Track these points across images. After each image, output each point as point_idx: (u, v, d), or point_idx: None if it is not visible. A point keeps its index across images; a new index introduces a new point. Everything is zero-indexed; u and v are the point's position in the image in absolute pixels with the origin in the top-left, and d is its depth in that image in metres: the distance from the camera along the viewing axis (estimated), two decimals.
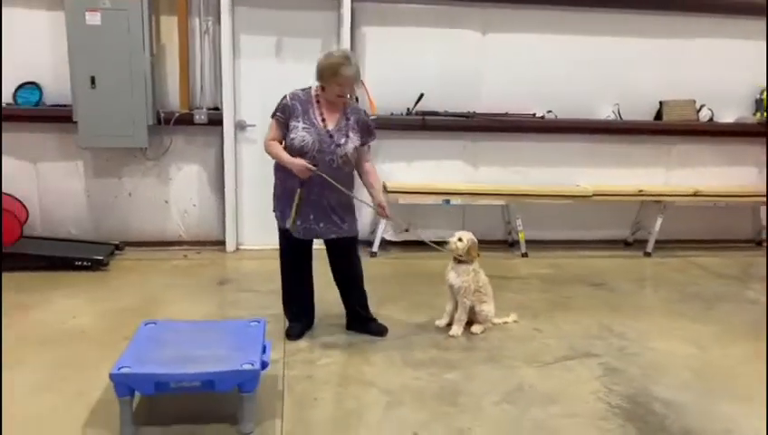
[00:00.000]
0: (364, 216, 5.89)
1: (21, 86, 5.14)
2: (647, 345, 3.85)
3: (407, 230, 4.20)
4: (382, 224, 5.64)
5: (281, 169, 3.55)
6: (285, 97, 3.52)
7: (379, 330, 3.89)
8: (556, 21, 5.77)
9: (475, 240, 4.07)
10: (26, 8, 5.09)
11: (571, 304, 4.61)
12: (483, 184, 5.88)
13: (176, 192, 5.60)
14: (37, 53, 5.14)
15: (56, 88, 5.17)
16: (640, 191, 5.95)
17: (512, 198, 5.81)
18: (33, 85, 5.17)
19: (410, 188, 5.68)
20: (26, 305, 4.19)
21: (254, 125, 5.54)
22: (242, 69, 5.49)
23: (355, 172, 3.70)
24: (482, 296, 4.01)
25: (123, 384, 2.59)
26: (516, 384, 3.31)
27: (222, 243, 5.65)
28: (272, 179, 5.66)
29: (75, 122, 5.05)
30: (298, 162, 3.38)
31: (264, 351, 2.91)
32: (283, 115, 3.48)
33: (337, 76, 3.36)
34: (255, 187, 5.66)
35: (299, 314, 3.90)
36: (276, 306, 4.12)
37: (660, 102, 6.04)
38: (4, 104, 5.14)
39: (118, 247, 5.37)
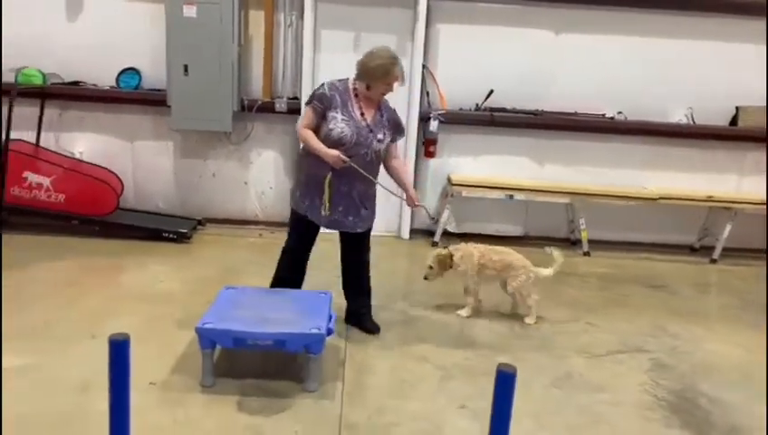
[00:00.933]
0: (429, 207, 6.11)
1: (123, 71, 5.66)
2: (699, 346, 3.90)
3: (433, 219, 4.19)
4: (445, 215, 5.84)
5: (311, 156, 3.47)
6: (323, 86, 3.48)
7: (372, 328, 3.80)
8: (631, 22, 5.79)
9: (442, 254, 4.16)
10: (130, 0, 5.59)
11: (628, 302, 4.67)
12: (547, 181, 5.98)
13: (255, 175, 6.00)
14: (139, 42, 5.63)
15: (153, 74, 5.66)
16: (709, 197, 5.88)
17: (576, 197, 5.87)
18: (133, 71, 5.68)
19: (474, 182, 5.85)
20: (122, 268, 4.67)
21: None
22: (321, 62, 5.81)
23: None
24: (490, 273, 4.13)
25: (206, 338, 2.93)
26: (565, 372, 3.46)
27: None
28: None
29: (168, 106, 5.51)
30: (333, 153, 3.33)
31: (329, 319, 3.19)
32: (321, 104, 3.43)
33: (388, 76, 3.40)
34: None
35: None
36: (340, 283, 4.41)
37: (737, 108, 5.94)
38: (107, 87, 5.67)
39: (200, 223, 5.82)
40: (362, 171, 3.44)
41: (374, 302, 4.28)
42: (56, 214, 5.25)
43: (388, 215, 6.11)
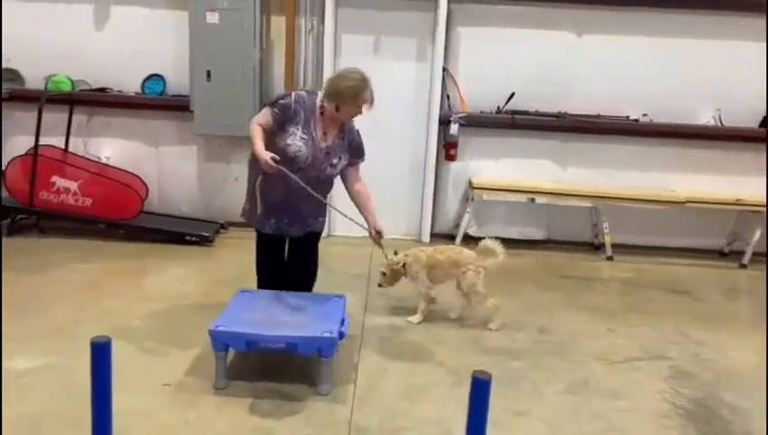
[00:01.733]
0: (449, 211, 6.12)
1: (148, 78, 5.78)
2: (724, 353, 3.80)
3: (389, 259, 3.92)
4: (466, 219, 5.81)
5: (262, 181, 3.36)
6: (290, 97, 3.31)
7: None
8: (655, 22, 5.68)
9: (393, 260, 3.98)
10: (154, 8, 5.71)
11: (650, 308, 4.58)
12: (570, 185, 5.90)
13: None
14: (163, 49, 5.74)
15: (177, 80, 5.76)
16: (738, 200, 5.73)
17: (599, 200, 5.79)
18: (158, 77, 5.79)
19: (496, 185, 5.81)
20: (145, 271, 4.76)
21: None
22: (341, 66, 5.83)
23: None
24: (442, 272, 4.02)
25: (220, 340, 2.97)
26: (582, 378, 3.41)
27: None
28: (364, 172, 5.99)
29: (192, 111, 5.61)
30: (265, 156, 3.15)
31: (342, 323, 3.20)
32: (282, 114, 3.27)
33: (357, 99, 3.28)
34: None
35: None
36: (359, 287, 4.44)
37: None
38: (132, 93, 5.79)
39: (222, 226, 5.90)
40: (295, 177, 3.25)
41: (393, 305, 4.29)
42: (83, 218, 5.38)
43: (409, 218, 6.12)
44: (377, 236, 3.64)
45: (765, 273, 5.30)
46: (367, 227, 3.65)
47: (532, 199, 5.78)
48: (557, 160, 6.01)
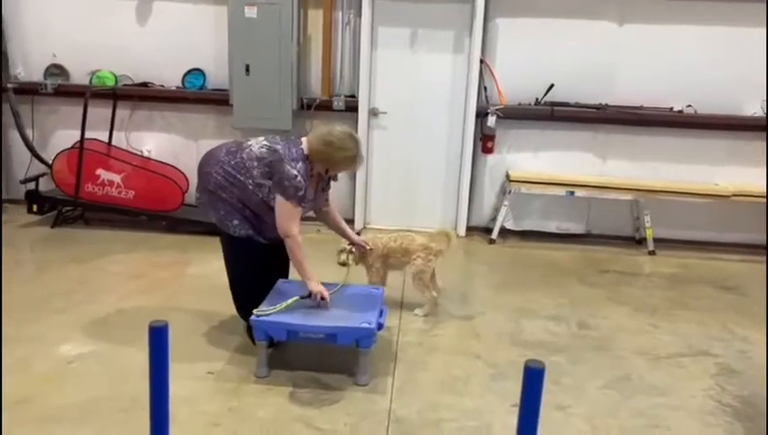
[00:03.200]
0: (486, 204, 6.07)
1: (189, 72, 5.87)
2: None
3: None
4: (503, 212, 5.75)
5: (251, 203, 3.22)
6: (300, 182, 3.08)
7: None
8: (700, 11, 5.52)
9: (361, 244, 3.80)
10: (195, 3, 5.80)
11: (695, 304, 4.47)
12: (611, 177, 5.79)
13: None
14: (203, 43, 5.83)
15: (217, 74, 5.84)
16: None
17: (641, 194, 5.66)
18: (198, 71, 5.89)
19: (534, 178, 5.73)
20: (186, 262, 4.85)
21: (385, 112, 5.90)
22: (378, 59, 5.84)
23: None
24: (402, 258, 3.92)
25: (261, 330, 3.01)
26: (623, 373, 3.35)
27: (351, 221, 6.07)
28: (400, 165, 5.96)
29: (231, 105, 5.68)
30: (319, 289, 3.14)
31: (380, 314, 3.21)
32: (305, 199, 3.15)
33: (352, 166, 3.31)
34: (384, 170, 6.03)
35: None
36: (394, 279, 4.43)
37: None
38: (174, 87, 5.90)
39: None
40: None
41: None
42: (126, 209, 5.52)
43: (445, 212, 6.09)
44: (363, 250, 3.75)
45: (766, 269, 5.14)
46: (353, 243, 3.74)
47: (572, 193, 5.69)
48: (597, 153, 5.90)
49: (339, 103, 5.78)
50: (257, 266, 3.34)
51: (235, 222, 3.24)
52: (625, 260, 5.47)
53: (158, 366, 1.21)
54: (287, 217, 3.10)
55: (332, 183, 3.54)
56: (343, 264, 3.75)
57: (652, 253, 5.65)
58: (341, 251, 3.78)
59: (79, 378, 3.03)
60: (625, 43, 5.65)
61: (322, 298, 3.14)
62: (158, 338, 1.20)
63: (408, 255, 3.90)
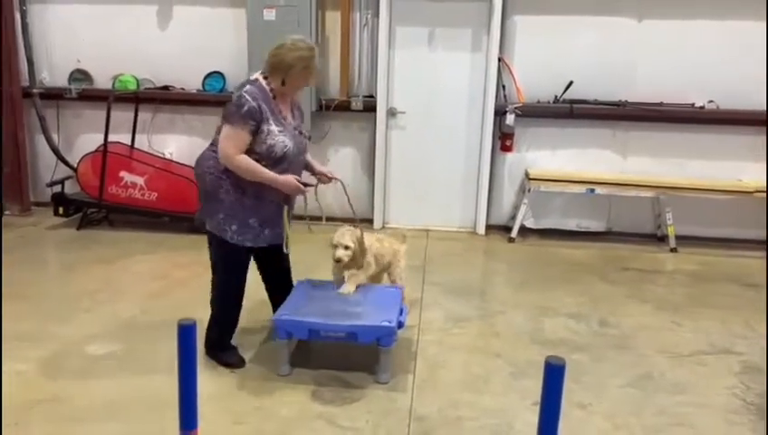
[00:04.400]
0: (505, 203, 6.06)
1: (209, 75, 5.95)
2: None
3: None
4: (522, 210, 5.74)
5: (248, 185, 3.00)
6: (245, 98, 2.89)
7: None
8: (720, 5, 5.45)
9: (359, 234, 3.34)
10: (214, 7, 5.87)
11: (717, 301, 4.42)
12: (631, 174, 5.74)
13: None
14: (223, 46, 5.90)
15: (236, 76, 5.88)
16: None
17: (662, 191, 5.61)
18: (218, 74, 5.96)
19: (554, 176, 5.71)
20: (208, 262, 4.88)
21: (403, 112, 5.91)
22: (396, 59, 5.86)
23: None
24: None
25: (283, 329, 3.05)
26: (645, 371, 3.33)
27: (370, 220, 6.09)
28: (419, 164, 5.93)
29: None
30: (291, 182, 2.98)
31: (401, 313, 3.24)
32: (254, 121, 2.90)
33: (308, 70, 2.99)
34: (403, 170, 6.05)
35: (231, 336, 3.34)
36: (414, 278, 4.46)
37: None
38: (194, 90, 5.97)
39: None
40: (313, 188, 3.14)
41: (450, 296, 4.30)
42: (149, 211, 5.61)
43: (464, 211, 6.10)
44: (327, 179, 3.28)
45: (765, 267, 5.07)
46: (315, 173, 3.31)
47: (592, 190, 5.66)
48: (617, 150, 5.86)
49: (357, 104, 5.82)
50: (244, 281, 3.20)
51: (234, 227, 3.03)
52: (646, 258, 5.43)
53: (187, 363, 1.24)
54: (226, 139, 2.90)
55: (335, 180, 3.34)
56: (338, 260, 3.30)
57: (674, 250, 5.60)
58: (336, 246, 3.31)
59: (106, 376, 3.10)
60: (644, 38, 5.60)
61: (304, 184, 3.01)
62: (186, 336, 1.24)
63: (395, 256, 3.69)
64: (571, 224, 6.02)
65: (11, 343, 3.39)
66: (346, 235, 3.29)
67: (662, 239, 5.85)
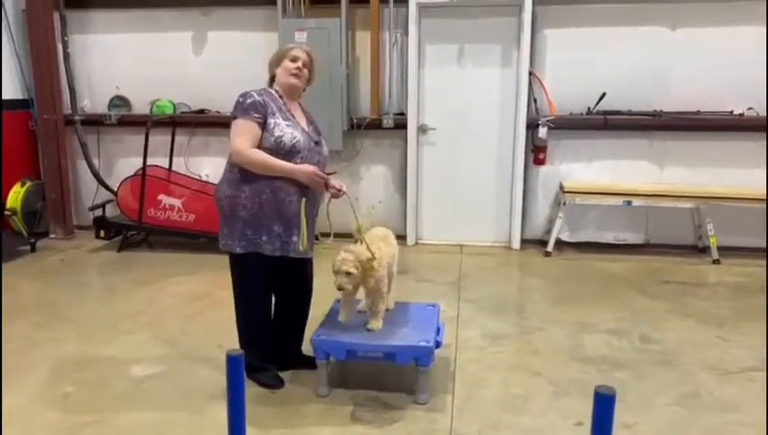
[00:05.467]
0: (539, 216, 6.00)
1: None
2: None
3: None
4: (558, 224, 5.67)
5: (262, 183, 2.93)
6: (251, 94, 2.93)
7: (309, 361, 3.22)
8: (755, 11, 5.34)
9: (364, 255, 3.01)
10: (247, 31, 6.00)
11: (764, 314, 4.28)
12: (669, 185, 5.64)
13: (365, 190, 6.17)
14: (255, 69, 5.97)
15: None
16: None
17: (702, 201, 5.49)
18: None
19: (589, 188, 5.64)
20: None
21: (434, 128, 5.93)
22: (426, 76, 5.89)
23: None
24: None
25: (321, 349, 3.06)
26: (692, 389, 3.24)
27: (403, 237, 6.09)
28: (451, 179, 5.91)
29: None
30: (307, 168, 2.90)
31: (438, 332, 3.22)
32: (259, 114, 2.88)
33: (285, 54, 3.05)
34: (435, 185, 6.05)
35: (271, 353, 3.27)
36: (450, 295, 4.44)
37: None
38: (228, 113, 6.08)
39: (316, 238, 6.04)
40: (330, 181, 3.04)
41: (487, 313, 4.26)
42: (187, 232, 5.71)
43: (497, 225, 6.06)
44: (338, 193, 3.11)
45: (765, 272, 4.94)
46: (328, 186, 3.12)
47: (629, 202, 5.57)
48: (654, 160, 5.76)
49: (388, 121, 5.85)
50: (270, 300, 3.21)
51: (264, 238, 2.99)
52: (687, 270, 5.30)
53: (236, 393, 1.26)
54: (235, 134, 2.90)
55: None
56: (341, 288, 3.00)
57: (716, 262, 5.46)
58: (337, 272, 3.00)
59: (150, 398, 3.15)
60: (679, 47, 5.52)
61: (319, 175, 2.94)
62: (234, 367, 1.26)
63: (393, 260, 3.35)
64: (608, 237, 5.93)
65: (58, 365, 3.48)
66: (347, 260, 2.95)
67: (703, 251, 5.71)
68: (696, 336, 3.92)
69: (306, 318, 3.41)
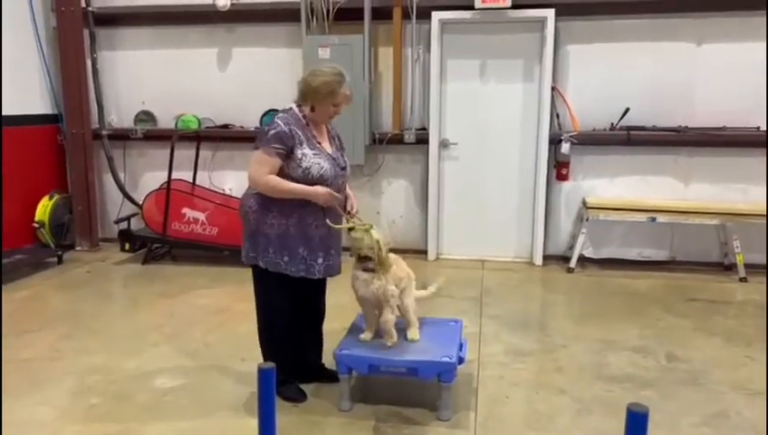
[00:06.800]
0: (562, 232, 5.96)
1: (266, 113, 6.13)
2: None
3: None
4: (581, 240, 5.62)
5: (286, 206, 3.00)
6: (277, 124, 2.95)
7: (330, 375, 3.28)
8: None
9: (387, 242, 3.11)
10: (271, 47, 6.08)
11: None
12: (695, 202, 5.57)
13: (386, 204, 6.18)
14: (279, 85, 6.07)
15: None
16: None
17: (728, 217, 5.40)
18: (275, 112, 6.10)
19: (612, 205, 5.59)
20: None
21: (456, 143, 5.93)
22: (447, 91, 5.91)
23: None
24: (402, 295, 3.19)
25: (343, 363, 3.07)
26: (720, 409, 3.18)
27: (424, 252, 6.09)
28: (473, 194, 5.87)
29: None
30: (322, 190, 2.93)
31: (460, 348, 3.20)
32: (282, 146, 2.91)
33: (335, 96, 2.98)
34: (456, 200, 6.04)
35: (292, 367, 3.27)
36: (472, 311, 4.41)
37: None
38: (252, 128, 6.16)
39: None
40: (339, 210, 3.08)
41: (509, 329, 4.23)
42: (210, 245, 5.76)
43: (519, 241, 6.02)
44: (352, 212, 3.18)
45: (765, 286, 4.87)
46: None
47: (653, 218, 5.50)
48: (679, 177, 5.69)
49: (410, 136, 5.87)
50: (291, 314, 3.22)
51: (286, 259, 3.05)
52: (714, 288, 5.22)
53: (266, 405, 1.27)
54: (254, 162, 2.96)
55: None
56: (365, 257, 3.04)
57: (743, 279, 5.36)
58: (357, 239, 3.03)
59: (173, 410, 3.17)
60: (704, 62, 5.47)
61: (333, 195, 2.95)
62: (266, 379, 1.27)
63: (409, 279, 3.33)
64: (633, 253, 5.86)
65: (84, 377, 3.53)
66: (367, 236, 3.01)
67: (729, 268, 5.61)
68: (723, 355, 3.85)
69: (322, 331, 3.47)
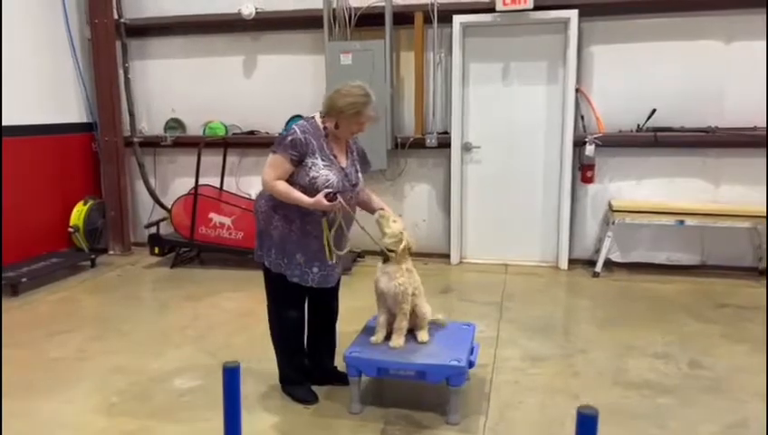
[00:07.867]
0: (588, 236, 5.87)
1: (291, 118, 6.21)
2: None
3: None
4: (607, 243, 5.53)
5: (291, 212, 3.07)
6: (294, 131, 3.02)
7: (342, 377, 3.25)
8: None
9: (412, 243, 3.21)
10: (295, 54, 6.18)
11: None
12: (725, 204, 5.41)
13: (408, 208, 6.19)
14: (303, 91, 6.17)
15: None
16: None
17: (760, 220, 5.24)
18: (300, 117, 6.20)
19: (639, 208, 5.48)
20: None
21: (478, 147, 5.91)
22: (470, 95, 5.90)
23: None
24: (415, 299, 3.22)
25: (353, 366, 3.09)
26: (740, 418, 3.09)
27: (447, 256, 6.08)
28: (496, 197, 5.83)
29: None
30: (322, 200, 2.94)
31: (472, 352, 3.19)
32: (296, 152, 2.98)
33: (360, 116, 3.02)
34: (479, 204, 6.02)
35: (304, 367, 3.42)
36: (491, 315, 4.38)
37: None
38: (277, 134, 6.25)
39: (360, 256, 6.13)
40: (348, 210, 3.12)
41: (528, 334, 4.20)
42: (236, 250, 5.88)
43: (545, 244, 5.96)
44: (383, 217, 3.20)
45: (765, 288, 4.70)
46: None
47: (681, 221, 5.37)
48: (708, 178, 5.55)
49: (432, 140, 5.88)
50: (302, 314, 3.31)
51: (285, 261, 3.14)
52: (745, 293, 5.06)
53: (231, 405, 1.30)
54: (268, 166, 3.03)
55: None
56: (400, 241, 3.15)
57: None
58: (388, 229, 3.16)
59: (188, 410, 3.25)
60: (733, 61, 5.33)
61: (330, 199, 2.94)
62: (231, 378, 1.30)
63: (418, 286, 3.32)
64: (661, 257, 5.73)
65: (107, 376, 3.65)
66: (399, 222, 3.18)
67: (763, 273, 5.44)
68: (749, 363, 3.74)
69: (334, 334, 3.51)
